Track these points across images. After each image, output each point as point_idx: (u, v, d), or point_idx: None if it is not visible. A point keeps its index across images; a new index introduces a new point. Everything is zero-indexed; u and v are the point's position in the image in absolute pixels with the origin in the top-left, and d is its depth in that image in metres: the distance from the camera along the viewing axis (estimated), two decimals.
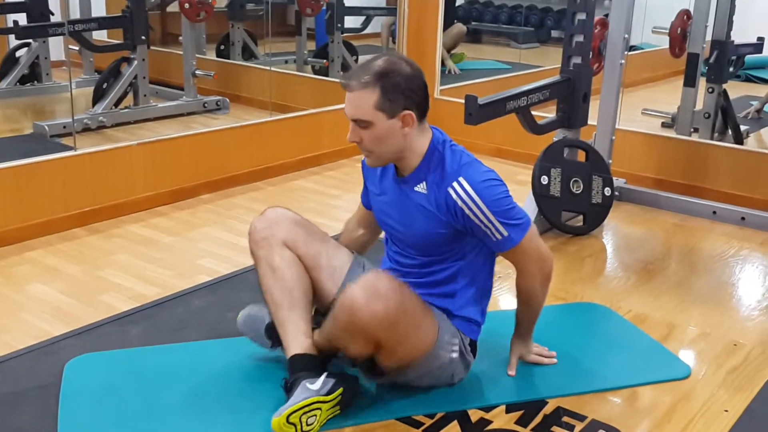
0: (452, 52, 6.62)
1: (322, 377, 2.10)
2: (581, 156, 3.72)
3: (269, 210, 2.36)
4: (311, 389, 2.07)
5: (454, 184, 2.07)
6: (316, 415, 2.07)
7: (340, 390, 2.11)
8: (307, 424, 2.05)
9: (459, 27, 6.77)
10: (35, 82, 5.56)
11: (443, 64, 5.65)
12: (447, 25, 5.79)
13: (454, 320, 2.22)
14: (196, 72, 5.38)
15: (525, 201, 3.63)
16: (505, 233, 2.10)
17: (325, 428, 2.10)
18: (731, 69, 4.86)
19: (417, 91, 2.07)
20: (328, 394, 2.08)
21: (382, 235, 2.41)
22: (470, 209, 2.07)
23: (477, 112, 3.14)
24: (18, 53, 5.50)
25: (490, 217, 2.07)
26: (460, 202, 2.07)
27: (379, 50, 7.29)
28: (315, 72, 6.06)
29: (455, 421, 2.16)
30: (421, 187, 2.14)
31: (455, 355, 2.21)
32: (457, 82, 5.61)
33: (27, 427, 2.10)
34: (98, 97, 4.96)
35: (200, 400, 2.22)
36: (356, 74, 2.05)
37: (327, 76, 5.90)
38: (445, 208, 2.10)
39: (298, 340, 2.18)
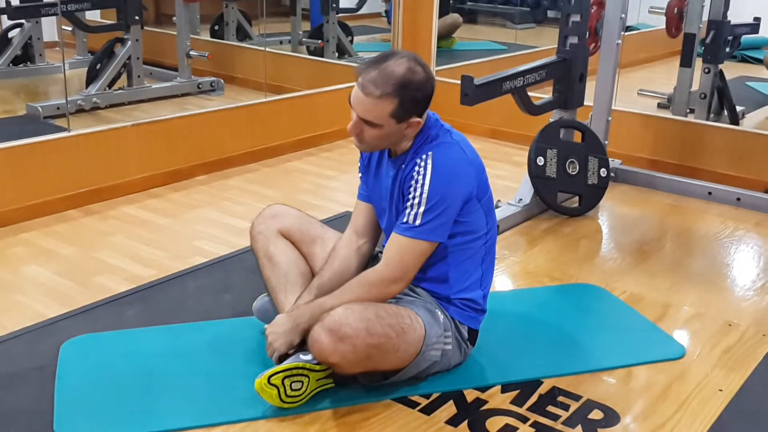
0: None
1: None
2: (577, 137, 3.72)
3: (267, 208, 2.45)
4: (302, 358, 2.08)
5: (423, 155, 2.09)
6: (302, 382, 2.07)
7: None
8: (292, 389, 2.06)
9: (454, 17, 6.72)
10: (28, 63, 5.52)
11: None
12: (443, 13, 5.74)
13: (450, 308, 2.21)
14: (191, 53, 5.34)
15: (521, 182, 3.63)
16: (418, 222, 2.06)
17: (321, 408, 2.10)
18: (728, 49, 4.84)
19: (429, 98, 2.10)
20: (318, 363, 2.08)
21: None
22: (416, 178, 2.07)
23: (473, 93, 3.13)
24: (11, 34, 5.46)
25: (424, 194, 2.05)
26: (416, 168, 2.08)
27: (374, 31, 7.26)
28: (310, 53, 6.03)
29: (451, 401, 2.17)
30: (405, 164, 2.15)
31: (448, 347, 2.20)
32: (453, 63, 5.58)
33: (23, 408, 2.10)
34: (92, 78, 4.94)
35: (195, 381, 2.22)
36: (375, 79, 2.01)
37: (322, 56, 5.87)
38: (406, 173, 2.12)
39: None
